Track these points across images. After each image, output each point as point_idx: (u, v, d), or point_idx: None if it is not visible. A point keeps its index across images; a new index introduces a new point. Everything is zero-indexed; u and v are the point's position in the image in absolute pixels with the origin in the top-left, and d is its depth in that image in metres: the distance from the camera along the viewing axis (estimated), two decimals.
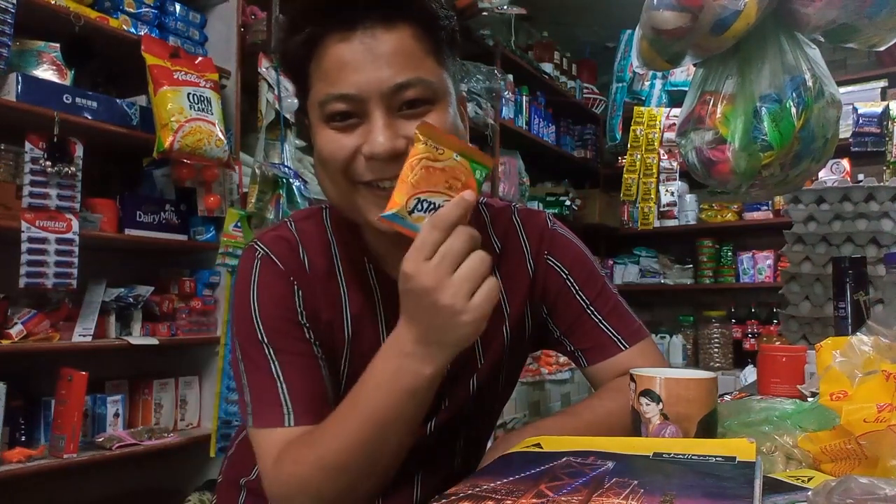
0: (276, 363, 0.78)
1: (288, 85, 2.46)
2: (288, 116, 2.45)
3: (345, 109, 0.74)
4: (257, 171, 2.31)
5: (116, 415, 2.16)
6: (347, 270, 0.85)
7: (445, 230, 0.63)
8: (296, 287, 0.82)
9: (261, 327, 0.80)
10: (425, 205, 0.65)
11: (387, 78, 0.72)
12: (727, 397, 1.03)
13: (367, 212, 0.77)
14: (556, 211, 4.20)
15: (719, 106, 1.64)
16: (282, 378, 0.78)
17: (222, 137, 2.19)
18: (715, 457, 0.57)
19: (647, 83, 4.52)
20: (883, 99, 3.89)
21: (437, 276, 0.62)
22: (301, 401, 0.77)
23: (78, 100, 2.01)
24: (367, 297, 0.85)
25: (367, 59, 0.72)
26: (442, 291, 0.62)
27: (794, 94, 1.56)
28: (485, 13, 3.41)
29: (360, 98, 0.73)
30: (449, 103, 0.77)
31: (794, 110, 1.55)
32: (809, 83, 1.57)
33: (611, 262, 4.83)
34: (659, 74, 4.35)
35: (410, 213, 0.64)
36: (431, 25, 0.76)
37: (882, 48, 1.65)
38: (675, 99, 4.37)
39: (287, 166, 2.40)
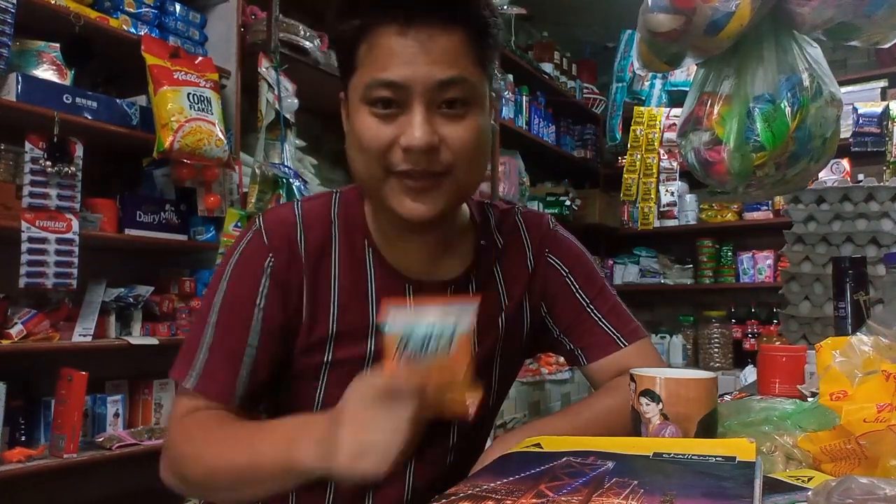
0: (212, 329, 0.84)
1: (288, 85, 2.46)
2: (288, 116, 2.45)
3: (388, 96, 0.76)
4: (257, 171, 2.31)
5: (116, 415, 2.16)
6: (344, 250, 0.88)
7: (399, 388, 0.66)
8: (269, 266, 0.85)
9: (222, 290, 0.85)
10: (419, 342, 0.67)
11: (434, 73, 0.75)
12: (727, 397, 1.04)
13: (392, 199, 0.80)
14: (556, 211, 4.20)
15: (716, 107, 1.64)
16: (206, 347, 0.83)
17: (222, 137, 2.19)
18: (715, 457, 0.57)
19: (647, 83, 4.52)
20: (883, 99, 3.89)
21: (359, 411, 0.66)
22: (207, 375, 0.83)
23: (78, 100, 2.01)
24: (360, 278, 0.88)
25: (420, 53, 0.74)
26: (351, 426, 0.66)
27: (788, 95, 1.56)
28: None
29: (404, 87, 0.75)
30: (484, 108, 0.80)
31: (788, 110, 1.55)
32: (806, 83, 1.57)
33: (611, 262, 4.83)
34: (659, 74, 4.35)
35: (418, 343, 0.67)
36: (482, 33, 0.79)
37: (886, 45, 1.64)
38: (675, 99, 4.37)
39: (287, 166, 2.40)
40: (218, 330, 0.83)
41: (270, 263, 0.84)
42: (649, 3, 1.58)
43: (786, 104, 1.55)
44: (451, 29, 0.75)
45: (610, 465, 0.57)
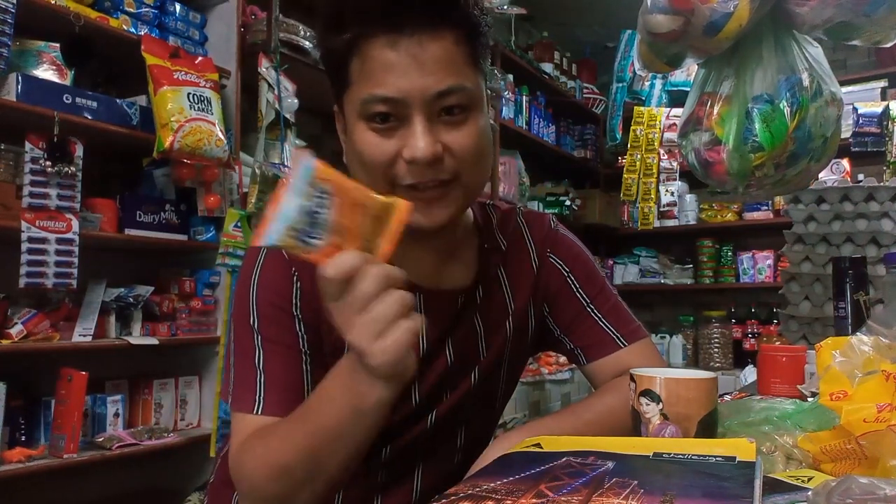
0: (261, 351, 0.81)
1: (288, 85, 2.46)
2: (288, 116, 2.45)
3: (386, 111, 0.75)
4: (257, 171, 2.31)
5: (116, 415, 2.16)
6: None
7: (345, 275, 0.60)
8: (296, 279, 0.83)
9: (255, 312, 0.82)
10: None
11: (431, 85, 0.74)
12: (727, 397, 1.03)
13: None
14: (556, 211, 4.20)
15: (716, 107, 1.64)
16: (262, 367, 0.80)
17: (222, 137, 2.19)
18: (715, 457, 0.57)
19: (647, 83, 4.52)
20: (883, 99, 3.89)
21: (343, 315, 0.61)
22: (273, 392, 0.79)
23: (78, 100, 2.01)
24: None
25: (413, 64, 0.73)
26: (349, 331, 0.62)
27: (788, 94, 1.55)
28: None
29: (402, 102, 0.74)
30: (482, 108, 0.80)
31: (787, 111, 1.55)
32: (806, 83, 1.57)
33: (611, 262, 4.83)
34: (659, 74, 4.34)
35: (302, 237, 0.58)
36: (473, 33, 0.78)
37: (888, 45, 1.64)
38: (675, 99, 4.37)
39: (287, 166, 2.40)
40: (268, 347, 0.81)
41: (295, 273, 0.83)
42: (648, 3, 1.58)
43: (785, 104, 1.55)
44: (442, 34, 0.74)
45: (610, 465, 0.57)
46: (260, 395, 0.79)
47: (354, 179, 0.82)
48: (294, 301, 0.83)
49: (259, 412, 0.78)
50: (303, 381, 0.81)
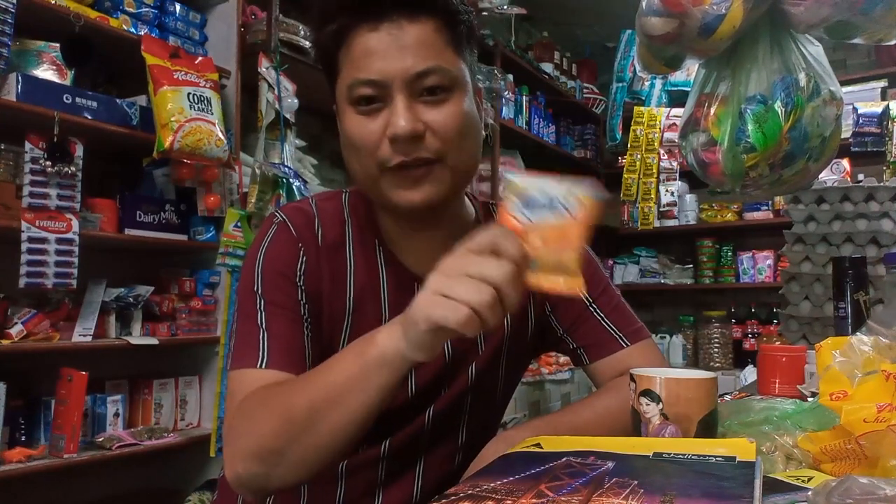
0: (264, 313, 0.83)
1: (288, 85, 2.46)
2: (288, 116, 2.45)
3: (370, 94, 0.79)
4: (257, 171, 2.31)
5: (116, 415, 2.16)
6: (357, 246, 0.90)
7: (511, 234, 0.63)
8: (302, 254, 0.86)
9: (259, 278, 0.85)
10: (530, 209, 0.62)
11: (409, 66, 0.77)
12: (727, 397, 1.03)
13: (390, 193, 0.81)
14: None
15: (713, 108, 1.65)
16: (265, 327, 0.82)
17: (222, 137, 2.19)
18: (715, 457, 0.57)
19: (646, 83, 4.52)
20: (883, 99, 3.89)
21: (452, 264, 0.63)
22: (277, 349, 0.81)
23: (78, 100, 2.01)
24: (372, 274, 0.89)
25: (393, 48, 0.77)
26: (442, 267, 0.64)
27: (782, 95, 1.55)
28: (485, 13, 3.41)
29: (384, 83, 0.77)
30: (466, 92, 0.82)
31: (781, 111, 1.55)
32: (802, 83, 1.57)
33: (611, 262, 4.82)
34: (660, 75, 4.34)
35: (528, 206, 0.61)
36: (452, 20, 0.81)
37: (891, 42, 1.64)
38: (675, 99, 4.36)
39: (287, 166, 2.40)
40: (272, 310, 0.83)
41: (302, 249, 0.86)
42: (643, 6, 1.59)
43: (779, 105, 1.55)
44: (421, 20, 0.78)
45: (610, 465, 0.57)
46: (264, 351, 0.80)
47: (350, 168, 0.85)
48: (298, 272, 0.85)
49: (263, 366, 0.79)
50: (304, 343, 0.83)
